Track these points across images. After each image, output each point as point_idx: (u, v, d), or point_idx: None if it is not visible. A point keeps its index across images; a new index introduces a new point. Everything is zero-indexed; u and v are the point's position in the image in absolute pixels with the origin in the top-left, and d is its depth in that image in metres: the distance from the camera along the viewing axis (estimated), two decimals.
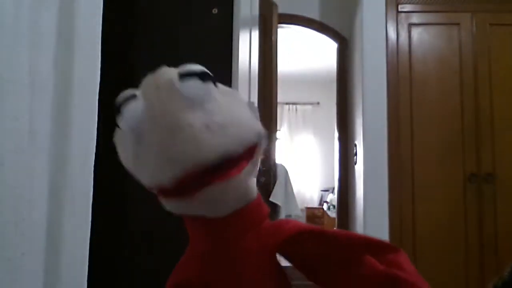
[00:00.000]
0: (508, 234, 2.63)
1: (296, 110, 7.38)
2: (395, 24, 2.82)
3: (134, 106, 0.61)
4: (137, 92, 0.63)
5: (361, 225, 2.86)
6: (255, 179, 0.73)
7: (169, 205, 0.64)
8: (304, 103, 7.33)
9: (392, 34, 2.81)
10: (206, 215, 0.66)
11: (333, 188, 5.72)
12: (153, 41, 1.39)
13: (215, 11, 1.38)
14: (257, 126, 0.66)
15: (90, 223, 1.06)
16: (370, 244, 0.68)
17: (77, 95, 1.03)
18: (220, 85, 0.66)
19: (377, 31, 2.82)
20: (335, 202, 4.31)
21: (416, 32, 2.81)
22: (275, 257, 0.70)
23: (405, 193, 2.70)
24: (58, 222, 0.97)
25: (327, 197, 6.55)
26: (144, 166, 0.62)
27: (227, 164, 0.60)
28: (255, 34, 1.81)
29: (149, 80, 0.64)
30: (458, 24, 2.80)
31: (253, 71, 1.75)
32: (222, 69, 1.36)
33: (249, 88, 1.61)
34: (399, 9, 2.83)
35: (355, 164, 3.15)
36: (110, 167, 1.33)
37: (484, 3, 2.81)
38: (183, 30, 1.38)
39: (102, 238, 1.19)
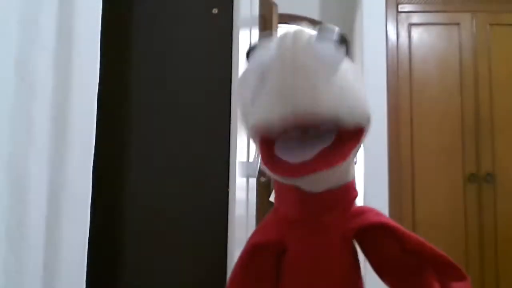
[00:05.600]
0: (508, 234, 2.63)
1: None
2: (395, 24, 2.82)
3: (267, 51, 0.62)
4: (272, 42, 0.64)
5: None
6: (354, 163, 0.75)
7: (269, 173, 0.64)
8: None
9: (392, 34, 2.81)
10: (301, 188, 0.68)
11: None
12: (153, 41, 1.38)
13: (215, 11, 1.38)
14: (368, 109, 0.65)
15: (88, 224, 1.06)
16: (438, 260, 0.68)
17: (76, 95, 1.03)
18: (349, 57, 0.66)
19: (377, 31, 2.82)
20: None
21: (416, 32, 2.81)
22: (352, 241, 0.72)
23: (405, 193, 2.70)
24: (57, 222, 0.97)
25: None
26: (257, 105, 0.62)
27: (335, 142, 0.61)
28: (255, 34, 1.81)
29: (287, 34, 0.63)
30: (458, 24, 2.80)
31: None
32: (222, 69, 1.36)
33: None
34: (399, 9, 2.83)
35: (355, 164, 3.14)
36: (109, 167, 1.34)
37: (484, 3, 2.81)
38: (183, 30, 1.38)
39: (100, 239, 1.19)
